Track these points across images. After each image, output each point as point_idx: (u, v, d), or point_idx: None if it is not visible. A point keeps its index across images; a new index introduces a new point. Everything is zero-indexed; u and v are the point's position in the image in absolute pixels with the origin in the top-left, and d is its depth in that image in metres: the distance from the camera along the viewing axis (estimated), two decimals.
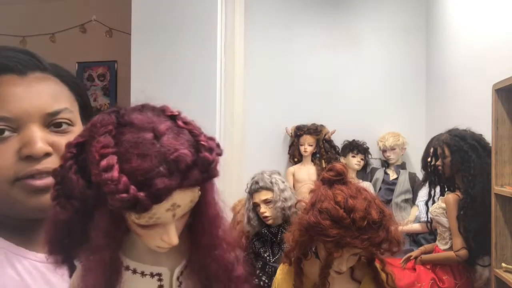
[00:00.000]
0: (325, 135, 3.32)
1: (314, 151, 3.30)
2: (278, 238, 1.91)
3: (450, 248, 1.92)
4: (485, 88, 1.77)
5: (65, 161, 0.45)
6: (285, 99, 3.51)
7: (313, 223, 0.99)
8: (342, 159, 3.29)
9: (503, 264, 1.61)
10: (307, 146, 3.26)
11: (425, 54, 3.43)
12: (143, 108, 0.47)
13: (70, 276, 0.52)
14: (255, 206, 1.92)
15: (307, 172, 3.24)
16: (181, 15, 2.56)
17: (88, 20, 4.09)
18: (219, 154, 0.47)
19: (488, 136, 1.79)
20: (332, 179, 1.05)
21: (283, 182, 1.96)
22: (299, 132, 3.32)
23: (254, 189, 1.92)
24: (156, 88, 2.37)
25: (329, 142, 3.34)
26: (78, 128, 0.66)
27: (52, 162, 0.59)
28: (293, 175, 3.28)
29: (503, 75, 1.60)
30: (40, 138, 0.59)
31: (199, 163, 0.44)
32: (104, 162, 0.40)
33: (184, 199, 0.45)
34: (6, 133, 0.58)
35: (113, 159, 0.41)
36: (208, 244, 0.51)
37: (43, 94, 0.61)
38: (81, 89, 0.71)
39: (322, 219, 0.97)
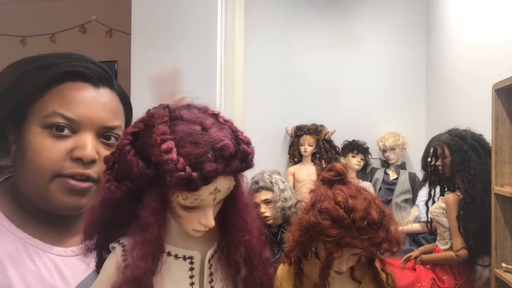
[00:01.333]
0: (325, 135, 3.32)
1: (314, 151, 3.30)
2: (278, 238, 1.91)
3: (450, 248, 1.92)
4: (485, 88, 1.77)
5: (123, 146, 0.49)
6: (285, 99, 3.51)
7: (313, 223, 0.98)
8: (342, 159, 3.29)
9: (503, 264, 1.61)
10: (307, 146, 3.26)
11: (425, 54, 3.43)
12: (189, 106, 0.54)
13: (97, 264, 0.57)
14: (255, 206, 1.92)
15: (307, 172, 3.24)
16: (181, 16, 2.56)
17: (88, 20, 4.09)
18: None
19: (488, 136, 1.79)
20: (332, 179, 1.05)
21: (283, 182, 1.96)
22: (299, 132, 3.32)
23: (254, 189, 1.92)
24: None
25: (329, 142, 3.34)
26: None
27: (93, 170, 0.65)
28: (293, 175, 3.28)
29: (503, 75, 1.60)
30: (92, 146, 0.65)
31: (239, 153, 0.52)
32: (164, 146, 0.46)
33: (225, 185, 0.52)
34: (66, 131, 0.64)
35: (171, 143, 0.47)
36: (240, 229, 0.56)
37: (107, 108, 0.69)
38: (131, 111, 0.79)
39: (322, 219, 0.97)
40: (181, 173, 0.46)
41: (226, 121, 0.55)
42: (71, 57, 0.69)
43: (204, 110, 0.55)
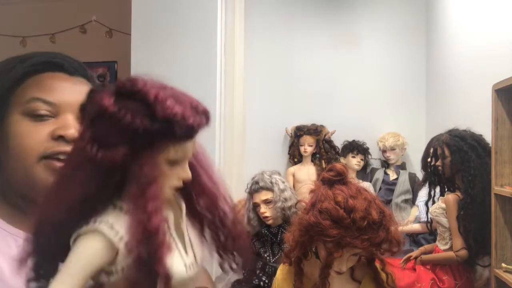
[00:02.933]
0: (325, 135, 3.32)
1: (314, 152, 3.30)
2: (278, 238, 1.91)
3: (450, 248, 1.92)
4: (485, 88, 1.77)
5: (118, 111, 0.48)
6: (285, 99, 3.51)
7: (313, 223, 0.99)
8: (342, 159, 3.29)
9: (503, 264, 1.61)
10: (307, 146, 3.26)
11: (425, 54, 3.43)
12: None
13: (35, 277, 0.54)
14: (255, 206, 1.92)
15: (307, 172, 3.24)
16: (181, 16, 2.56)
17: (88, 21, 4.09)
18: None
19: (488, 136, 1.79)
20: (332, 179, 1.05)
21: (283, 182, 1.96)
22: (299, 132, 3.32)
23: (254, 189, 1.93)
24: None
25: (329, 142, 3.34)
26: None
27: None
28: (293, 175, 3.28)
29: (503, 75, 1.60)
30: (74, 125, 0.67)
31: (206, 111, 0.55)
32: (169, 102, 0.49)
33: (197, 140, 0.56)
34: (46, 116, 0.67)
35: (172, 99, 0.50)
36: (200, 180, 0.59)
37: (84, 92, 0.69)
38: None
39: (322, 219, 0.97)
40: (189, 122, 0.49)
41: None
42: (50, 52, 0.74)
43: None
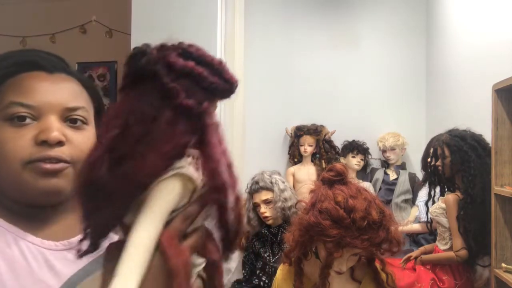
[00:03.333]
0: (325, 135, 3.32)
1: (314, 152, 3.30)
2: (278, 238, 1.91)
3: (450, 248, 1.92)
4: (485, 88, 1.77)
5: (203, 72, 0.48)
6: (285, 99, 3.51)
7: (313, 223, 0.99)
8: (342, 160, 3.29)
9: (503, 264, 1.61)
10: (307, 146, 3.26)
11: (425, 54, 3.43)
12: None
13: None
14: (255, 206, 1.92)
15: (307, 172, 3.24)
16: (181, 16, 2.56)
17: (88, 21, 4.09)
18: None
19: (488, 136, 1.79)
20: (332, 179, 1.05)
21: (283, 182, 1.96)
22: (299, 132, 3.32)
23: (254, 189, 1.93)
24: None
25: (329, 142, 3.34)
26: (91, 128, 0.72)
27: (63, 152, 0.65)
28: (293, 175, 3.28)
29: (503, 75, 1.60)
30: (56, 128, 0.65)
31: None
32: (226, 67, 0.50)
33: None
34: (27, 120, 0.64)
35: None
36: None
37: (65, 90, 0.69)
38: (98, 95, 0.77)
39: (322, 219, 0.97)
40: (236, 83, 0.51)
41: None
42: (23, 50, 0.72)
43: None
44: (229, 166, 0.49)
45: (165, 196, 0.46)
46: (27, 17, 4.15)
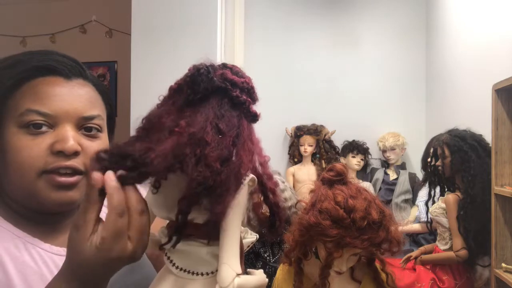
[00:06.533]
0: (325, 135, 3.32)
1: (314, 151, 3.30)
2: (278, 238, 1.91)
3: (450, 248, 1.92)
4: (485, 88, 1.77)
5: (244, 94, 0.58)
6: (285, 99, 3.51)
7: (313, 223, 0.99)
8: (342, 159, 3.29)
9: (503, 264, 1.61)
10: (307, 146, 3.26)
11: (425, 54, 3.44)
12: None
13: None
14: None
15: (307, 172, 3.24)
16: (181, 16, 2.56)
17: (88, 21, 4.09)
18: None
19: (488, 136, 1.79)
20: (332, 179, 1.05)
21: (283, 182, 1.96)
22: (299, 132, 3.32)
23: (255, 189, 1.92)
24: (156, 88, 2.37)
25: (329, 142, 3.34)
26: (104, 135, 0.71)
27: (78, 162, 0.64)
28: (293, 175, 3.28)
29: (503, 75, 1.61)
30: (72, 137, 0.64)
31: None
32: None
33: None
34: (43, 128, 0.63)
35: None
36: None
37: (83, 98, 0.68)
38: (111, 100, 0.77)
39: (322, 219, 0.97)
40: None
41: None
42: (39, 52, 0.69)
43: None
44: (267, 161, 0.58)
45: (244, 197, 0.53)
46: (27, 17, 4.15)
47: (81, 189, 0.65)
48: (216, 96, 0.54)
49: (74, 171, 0.64)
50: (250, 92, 0.58)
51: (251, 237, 0.58)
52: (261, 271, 0.55)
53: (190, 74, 0.54)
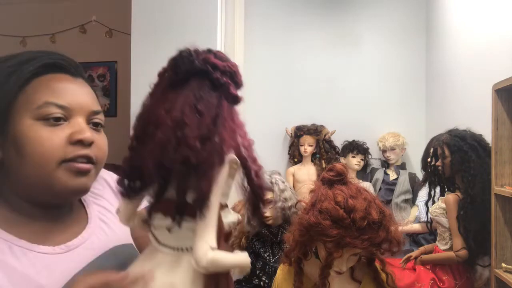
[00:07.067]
0: (325, 135, 3.32)
1: (314, 152, 3.30)
2: (278, 238, 1.91)
3: (450, 248, 1.92)
4: (485, 88, 1.77)
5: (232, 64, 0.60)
6: (285, 99, 3.51)
7: (313, 223, 0.99)
8: (342, 159, 3.29)
9: (503, 264, 1.61)
10: (307, 146, 3.26)
11: (425, 54, 3.44)
12: None
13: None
14: None
15: (307, 173, 3.24)
16: (181, 16, 2.56)
17: (88, 21, 4.10)
18: None
19: (488, 136, 1.79)
20: (332, 179, 1.05)
21: (283, 182, 1.96)
22: (299, 132, 3.32)
23: None
24: None
25: (329, 142, 3.34)
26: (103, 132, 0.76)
27: (92, 152, 0.69)
28: (293, 175, 3.28)
29: (503, 75, 1.61)
30: (87, 129, 0.69)
31: None
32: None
33: None
34: (61, 120, 0.67)
35: None
36: None
37: (89, 95, 0.73)
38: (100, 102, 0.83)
39: (322, 219, 0.97)
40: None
41: None
42: (44, 51, 0.73)
43: None
44: (251, 144, 0.59)
45: (223, 175, 0.54)
46: (27, 17, 4.15)
47: (93, 178, 0.70)
48: (197, 78, 0.55)
49: (89, 160, 0.68)
50: (232, 76, 0.58)
51: (233, 216, 0.59)
52: (245, 253, 0.55)
53: (173, 57, 0.57)
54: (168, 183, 0.54)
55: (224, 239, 0.56)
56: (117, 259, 0.71)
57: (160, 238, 0.56)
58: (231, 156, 0.54)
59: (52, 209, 0.71)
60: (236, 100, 0.58)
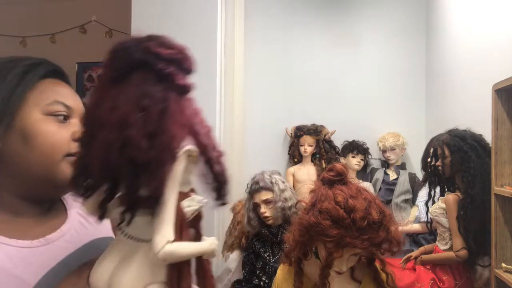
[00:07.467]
0: (325, 135, 3.32)
1: (314, 152, 3.30)
2: (278, 238, 1.91)
3: (450, 249, 1.92)
4: (485, 88, 1.77)
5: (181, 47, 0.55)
6: (285, 99, 3.52)
7: (313, 223, 0.99)
8: (342, 160, 3.29)
9: (503, 264, 1.61)
10: (307, 146, 3.26)
11: (425, 54, 3.44)
12: None
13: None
14: (255, 206, 1.92)
15: (307, 173, 3.24)
16: (181, 16, 2.57)
17: (88, 21, 4.10)
18: None
19: (488, 136, 1.79)
20: (332, 179, 1.05)
21: (283, 182, 1.96)
22: (299, 132, 3.32)
23: (254, 189, 1.92)
24: None
25: (329, 142, 3.34)
26: None
27: None
28: (293, 175, 3.28)
29: (503, 75, 1.61)
30: None
31: None
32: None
33: None
34: (65, 119, 0.74)
35: None
36: None
37: (79, 100, 0.80)
38: None
39: (322, 219, 0.97)
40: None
41: None
42: (48, 61, 0.80)
43: None
44: (209, 130, 0.56)
45: (178, 169, 0.53)
46: (27, 17, 4.15)
47: None
48: (139, 71, 0.52)
49: None
50: (180, 63, 0.54)
51: (196, 205, 0.57)
52: (211, 238, 0.56)
53: (110, 50, 0.53)
54: (119, 181, 0.53)
55: (192, 225, 0.56)
56: (96, 252, 0.73)
57: (125, 229, 0.56)
58: (188, 146, 0.53)
59: (38, 204, 0.75)
60: (185, 90, 0.54)
